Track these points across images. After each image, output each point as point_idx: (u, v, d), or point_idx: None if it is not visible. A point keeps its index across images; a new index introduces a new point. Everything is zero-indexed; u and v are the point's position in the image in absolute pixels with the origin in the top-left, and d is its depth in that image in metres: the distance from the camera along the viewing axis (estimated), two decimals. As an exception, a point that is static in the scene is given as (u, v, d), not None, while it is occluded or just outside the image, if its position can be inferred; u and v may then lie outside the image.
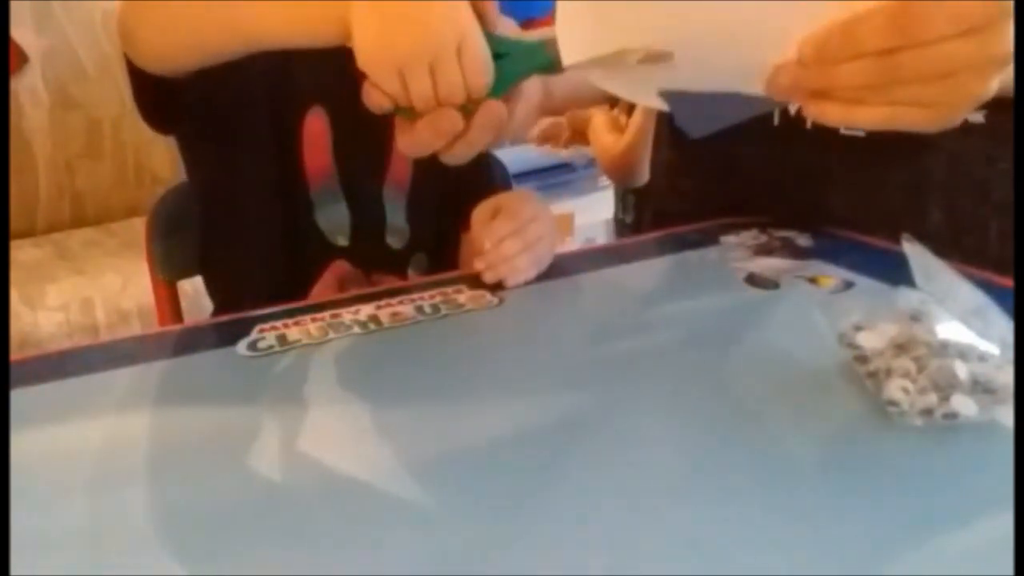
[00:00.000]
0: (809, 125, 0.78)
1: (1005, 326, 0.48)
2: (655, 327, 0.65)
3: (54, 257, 1.72)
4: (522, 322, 0.65)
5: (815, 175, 0.79)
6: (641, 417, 0.51)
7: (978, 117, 0.72)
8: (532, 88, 0.57)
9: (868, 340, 0.51)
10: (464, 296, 0.68)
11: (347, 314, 0.64)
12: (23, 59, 1.77)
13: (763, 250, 0.75)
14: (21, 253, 1.73)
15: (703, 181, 0.88)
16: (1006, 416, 0.46)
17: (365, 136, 0.76)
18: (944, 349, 0.48)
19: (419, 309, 0.65)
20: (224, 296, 0.86)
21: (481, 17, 0.51)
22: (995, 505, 0.41)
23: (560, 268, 0.73)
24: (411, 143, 0.54)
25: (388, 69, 0.50)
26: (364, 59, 0.50)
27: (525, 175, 2.04)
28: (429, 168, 0.82)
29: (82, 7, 1.81)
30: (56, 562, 0.40)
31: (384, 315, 0.64)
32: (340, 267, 0.82)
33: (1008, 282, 0.62)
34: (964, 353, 0.47)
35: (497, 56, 0.51)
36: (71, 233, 1.86)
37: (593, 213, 2.13)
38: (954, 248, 0.59)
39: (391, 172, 0.84)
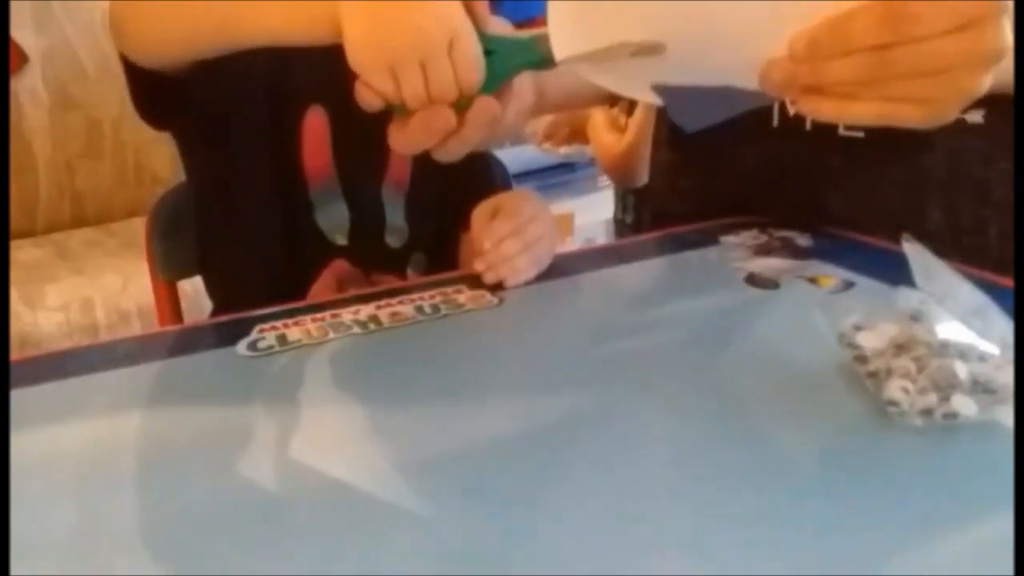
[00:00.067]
0: (809, 125, 0.79)
1: (1005, 326, 0.48)
2: (655, 327, 0.65)
3: (54, 257, 1.72)
4: (522, 322, 0.65)
5: (815, 175, 0.79)
6: (641, 417, 0.51)
7: (977, 117, 0.72)
8: (524, 86, 0.57)
9: (868, 340, 0.51)
10: (464, 296, 0.68)
11: (347, 314, 0.64)
12: (23, 59, 1.77)
13: (763, 250, 0.75)
14: (21, 253, 1.73)
15: (703, 181, 0.88)
16: (1006, 416, 0.46)
17: (364, 135, 0.76)
18: (944, 349, 0.48)
19: (419, 309, 0.65)
20: (223, 296, 0.86)
21: (472, 15, 0.51)
22: (995, 505, 0.41)
23: (560, 268, 0.73)
24: (404, 141, 0.54)
25: (379, 67, 0.50)
26: (355, 57, 0.50)
27: (525, 175, 2.04)
28: (428, 167, 0.82)
29: (82, 7, 1.81)
30: (56, 562, 0.40)
31: (384, 315, 0.64)
32: (339, 266, 0.82)
33: (1008, 282, 0.62)
34: (964, 353, 0.47)
35: (488, 53, 0.51)
36: (71, 233, 1.86)
37: (593, 213, 2.13)
38: (954, 248, 0.59)
39: (390, 171, 0.84)
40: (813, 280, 0.68)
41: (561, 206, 2.07)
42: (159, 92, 0.72)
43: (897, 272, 0.53)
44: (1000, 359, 0.47)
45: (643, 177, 1.39)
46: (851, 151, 0.76)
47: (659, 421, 0.51)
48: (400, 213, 0.85)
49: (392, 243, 0.85)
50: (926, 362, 0.48)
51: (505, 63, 0.53)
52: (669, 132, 0.92)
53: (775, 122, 0.80)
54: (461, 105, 0.52)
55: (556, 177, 2.21)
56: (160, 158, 1.92)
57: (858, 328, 0.52)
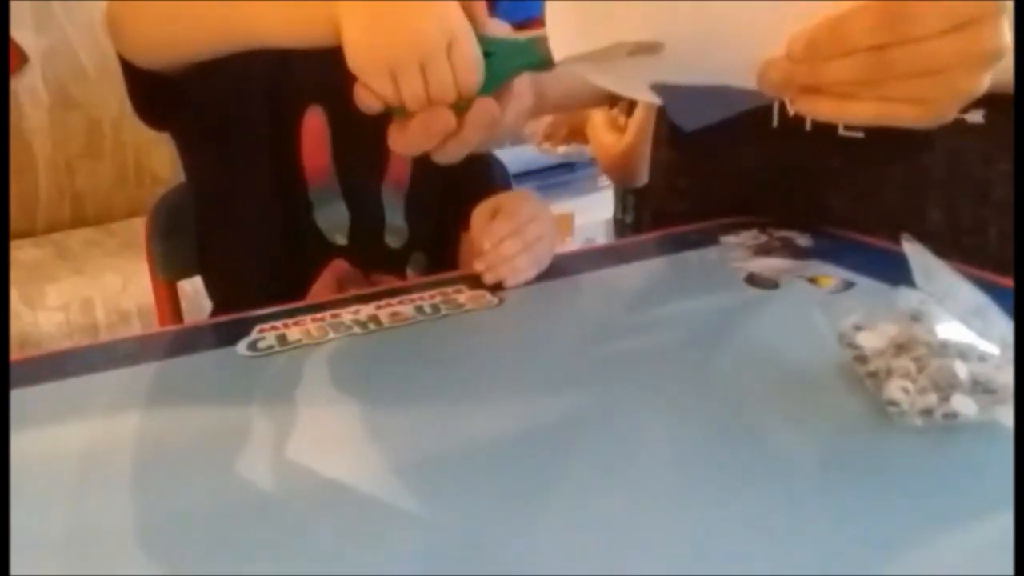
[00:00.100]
0: (809, 125, 0.79)
1: (1005, 326, 0.48)
2: (655, 327, 0.65)
3: (54, 257, 1.72)
4: (522, 322, 0.65)
5: (815, 175, 0.79)
6: (641, 417, 0.51)
7: (977, 117, 0.72)
8: (523, 87, 0.57)
9: (868, 340, 0.51)
10: (464, 296, 0.68)
11: (347, 314, 0.64)
12: (23, 59, 1.77)
13: (763, 250, 0.75)
14: (21, 253, 1.73)
15: (703, 181, 0.88)
16: (1006, 416, 0.46)
17: (364, 135, 0.76)
18: (944, 349, 0.48)
19: (419, 309, 0.65)
20: (223, 296, 0.86)
21: (470, 17, 0.51)
22: (995, 505, 0.41)
23: (560, 268, 0.73)
24: (404, 143, 0.54)
25: (379, 70, 0.50)
26: (354, 60, 0.50)
27: (525, 175, 2.04)
28: (428, 167, 0.82)
29: (82, 7, 1.81)
30: (56, 562, 0.40)
31: (384, 315, 0.64)
32: (339, 266, 0.82)
33: (1008, 282, 0.62)
34: (964, 353, 0.47)
35: (487, 54, 0.51)
36: (71, 233, 1.86)
37: (593, 213, 2.13)
38: (954, 248, 0.59)
39: (390, 171, 0.84)
40: (813, 280, 0.68)
41: (561, 206, 2.07)
42: (157, 93, 0.72)
43: (897, 272, 0.53)
44: (1000, 359, 0.47)
45: (643, 177, 1.39)
46: (851, 151, 0.76)
47: (659, 421, 0.51)
48: (400, 213, 0.85)
49: (392, 243, 0.85)
50: (926, 362, 0.48)
51: (504, 65, 0.53)
52: (669, 132, 0.92)
53: (775, 122, 0.80)
54: (460, 107, 0.52)
55: (556, 177, 2.21)
56: (160, 158, 1.92)
57: (858, 328, 0.52)
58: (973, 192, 0.74)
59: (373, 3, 0.49)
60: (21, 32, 1.76)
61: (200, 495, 0.44)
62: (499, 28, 0.55)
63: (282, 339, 0.61)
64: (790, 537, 0.40)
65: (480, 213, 0.73)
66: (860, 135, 0.76)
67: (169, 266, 0.97)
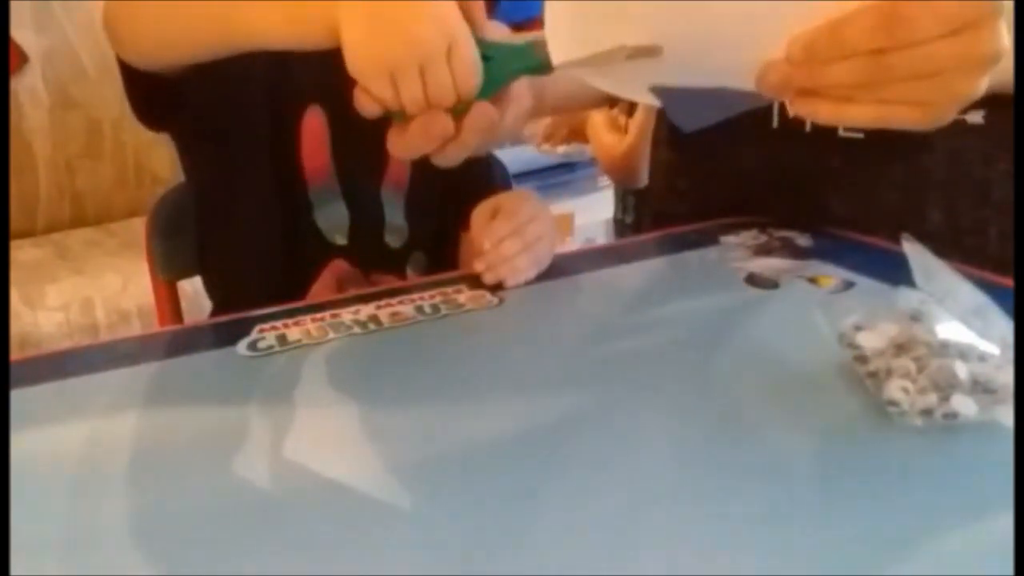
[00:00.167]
0: (809, 126, 0.79)
1: (1005, 326, 0.48)
2: (655, 327, 0.65)
3: (54, 257, 1.72)
4: (522, 322, 0.65)
5: (815, 175, 0.79)
6: (641, 417, 0.51)
7: (977, 118, 0.72)
8: (522, 90, 0.57)
9: (868, 340, 0.51)
10: (464, 296, 0.68)
11: (347, 314, 0.64)
12: (23, 59, 1.77)
13: (763, 250, 0.75)
14: (21, 253, 1.73)
15: (703, 181, 0.88)
16: (1006, 416, 0.46)
17: (363, 135, 0.76)
18: (944, 349, 0.48)
19: (419, 309, 0.65)
20: (223, 296, 0.86)
21: (469, 20, 0.51)
22: (995, 505, 0.41)
23: (560, 268, 0.73)
24: (403, 146, 0.54)
25: (378, 73, 0.50)
26: (354, 64, 0.50)
27: (525, 175, 2.04)
28: (427, 167, 0.81)
29: (82, 7, 1.81)
30: (56, 562, 0.40)
31: (384, 315, 0.64)
32: (339, 266, 0.82)
33: (1008, 282, 0.62)
34: (964, 353, 0.47)
35: (486, 58, 0.51)
36: (71, 233, 1.86)
37: (593, 213, 2.13)
38: (954, 248, 0.59)
39: (389, 171, 0.84)
40: (813, 280, 0.68)
41: (561, 206, 2.07)
42: (156, 94, 0.72)
43: (897, 272, 0.53)
44: (1000, 359, 0.47)
45: (645, 178, 1.39)
46: (851, 152, 0.76)
47: (659, 421, 0.51)
48: (400, 213, 0.85)
49: (392, 243, 0.85)
50: (926, 362, 0.48)
51: (503, 68, 0.53)
52: (669, 132, 0.92)
53: (775, 123, 0.80)
54: (459, 111, 0.52)
55: (556, 177, 2.21)
56: (160, 158, 1.92)
57: (858, 328, 0.52)
58: (973, 192, 0.74)
59: (372, 6, 0.49)
60: (21, 32, 1.76)
61: (200, 495, 0.44)
62: (498, 31, 0.55)
63: (282, 339, 0.61)
64: (790, 537, 0.40)
65: (480, 213, 0.73)
66: (860, 136, 0.76)
67: (169, 266, 0.97)
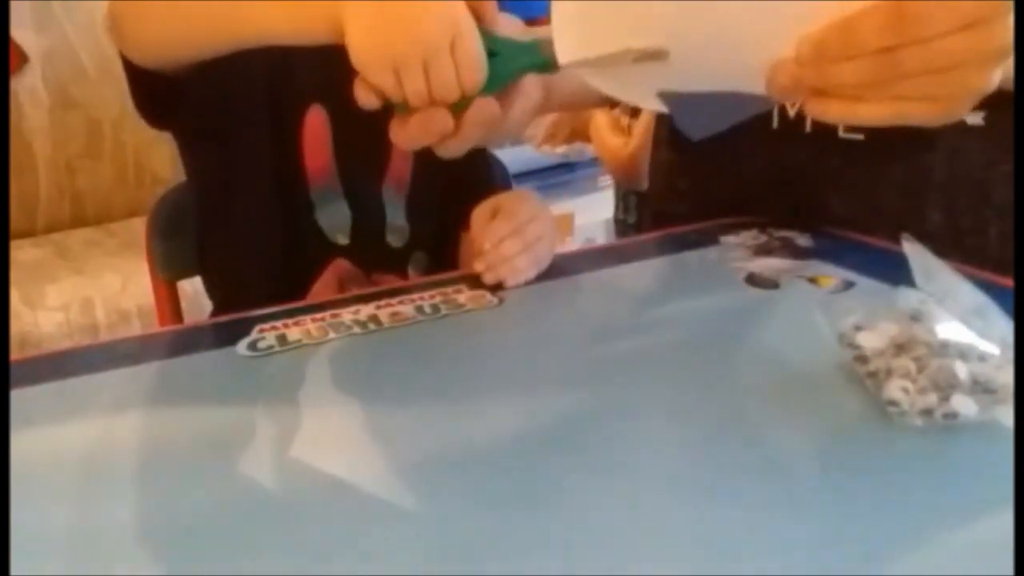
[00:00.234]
0: (809, 127, 0.79)
1: (1005, 326, 0.48)
2: (655, 327, 0.65)
3: (54, 257, 1.72)
4: (522, 322, 0.65)
5: (815, 175, 0.79)
6: (641, 417, 0.51)
7: (977, 118, 0.72)
8: (532, 87, 0.57)
9: (868, 340, 0.51)
10: (464, 296, 0.68)
11: (347, 314, 0.64)
12: (23, 59, 1.77)
13: (763, 250, 0.75)
14: (21, 253, 1.73)
15: (703, 182, 0.88)
16: (1006, 416, 0.46)
17: (365, 134, 0.76)
18: (944, 349, 0.48)
19: (419, 309, 0.65)
20: (223, 295, 0.86)
21: (480, 15, 0.51)
22: (995, 505, 0.41)
23: (560, 268, 0.73)
24: (405, 137, 0.54)
25: (382, 67, 0.50)
26: (357, 57, 0.50)
27: (525, 175, 2.04)
28: (429, 167, 0.82)
29: (82, 7, 1.81)
30: (56, 562, 0.40)
31: (384, 315, 0.64)
32: (340, 266, 0.82)
33: (1008, 282, 0.62)
34: (964, 353, 0.47)
35: (492, 54, 0.51)
36: (71, 233, 1.86)
37: (593, 213, 2.13)
38: (954, 248, 0.59)
39: (391, 170, 0.84)
40: (813, 280, 0.68)
41: (561, 206, 2.07)
42: (159, 91, 0.72)
43: (897, 272, 0.53)
44: (1000, 359, 0.47)
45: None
46: (851, 152, 0.76)
47: (659, 421, 0.51)
48: (401, 212, 0.85)
49: (393, 242, 0.85)
50: (926, 362, 0.48)
51: (509, 65, 0.53)
52: (669, 133, 0.92)
53: (775, 123, 0.80)
54: (460, 105, 0.52)
55: (556, 177, 2.21)
56: (160, 158, 1.92)
57: (858, 328, 0.52)
58: (973, 193, 0.74)
59: (377, 0, 0.49)
60: (21, 32, 1.76)
61: (200, 495, 0.44)
62: (510, 25, 0.55)
63: (282, 339, 0.61)
64: (790, 537, 0.40)
65: (480, 213, 0.73)
66: (860, 136, 0.76)
67: (169, 266, 0.97)
